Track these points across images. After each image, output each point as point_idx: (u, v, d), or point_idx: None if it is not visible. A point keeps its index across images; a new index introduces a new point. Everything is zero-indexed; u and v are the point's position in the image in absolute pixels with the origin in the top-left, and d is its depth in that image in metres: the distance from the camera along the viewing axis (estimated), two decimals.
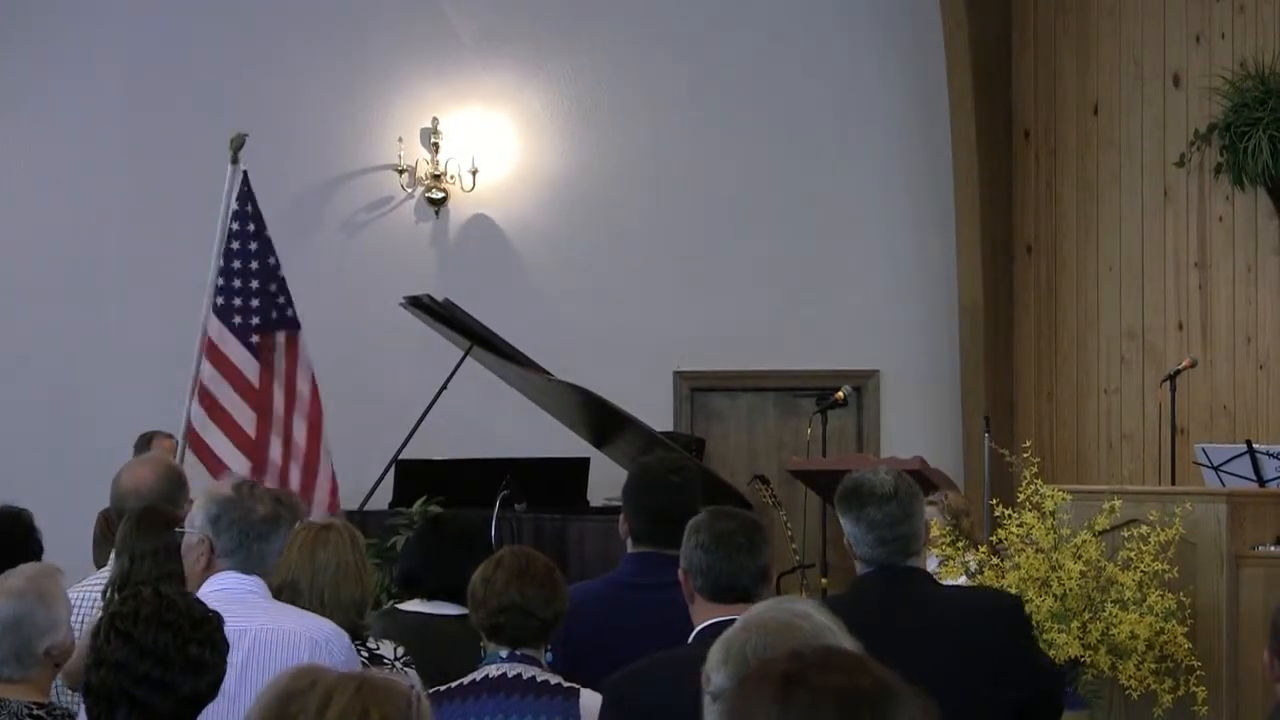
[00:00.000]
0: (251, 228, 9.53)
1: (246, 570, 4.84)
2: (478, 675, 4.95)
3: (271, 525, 4.89)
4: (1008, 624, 4.77)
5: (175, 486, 6.07)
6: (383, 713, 2.75)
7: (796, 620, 3.18)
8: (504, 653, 4.97)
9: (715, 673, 3.12)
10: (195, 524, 4.91)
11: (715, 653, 3.14)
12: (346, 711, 2.72)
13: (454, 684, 4.95)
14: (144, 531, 5.44)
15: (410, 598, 5.95)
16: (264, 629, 4.65)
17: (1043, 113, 12.33)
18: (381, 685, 2.82)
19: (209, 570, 4.87)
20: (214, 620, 4.02)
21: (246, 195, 9.59)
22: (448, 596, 5.80)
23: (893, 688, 2.47)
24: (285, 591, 5.10)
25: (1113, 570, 7.36)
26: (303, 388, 9.37)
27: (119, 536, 5.51)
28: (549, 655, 5.04)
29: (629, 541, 5.55)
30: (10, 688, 4.83)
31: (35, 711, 4.76)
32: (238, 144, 9.72)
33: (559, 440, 11.15)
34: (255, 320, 9.30)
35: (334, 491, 9.42)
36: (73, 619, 5.67)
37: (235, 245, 9.46)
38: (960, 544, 7.50)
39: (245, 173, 9.64)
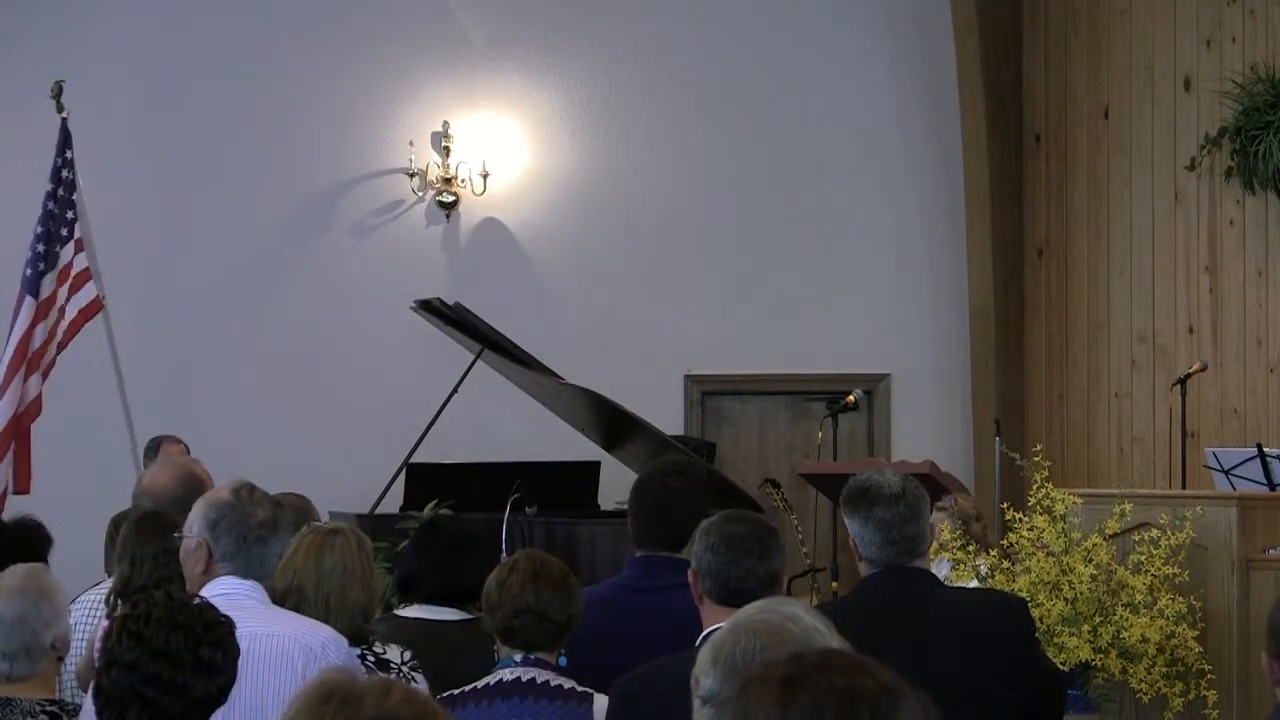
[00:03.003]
0: (63, 176, 9.56)
1: (245, 575, 4.81)
2: (491, 679, 4.96)
3: (270, 529, 4.86)
4: (1012, 625, 4.77)
5: (194, 491, 6.06)
6: (432, 708, 2.76)
7: (786, 623, 3.17)
8: (518, 657, 4.97)
9: (705, 676, 3.12)
10: (194, 529, 4.89)
11: (704, 655, 3.13)
12: (406, 701, 2.71)
13: (468, 688, 4.95)
14: (143, 536, 5.45)
15: (409, 602, 5.95)
16: (258, 635, 4.59)
17: (1053, 116, 12.33)
18: (407, 688, 2.83)
19: (207, 575, 4.85)
20: (226, 624, 4.03)
21: (63, 146, 9.62)
22: (446, 601, 5.80)
23: (893, 688, 2.47)
24: (291, 596, 5.09)
25: (1123, 574, 7.36)
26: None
27: (119, 541, 5.53)
28: (563, 659, 5.05)
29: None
30: (18, 686, 4.86)
31: (48, 708, 4.78)
32: (56, 91, 9.70)
33: (570, 444, 11.16)
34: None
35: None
36: (88, 621, 5.71)
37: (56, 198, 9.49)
38: (971, 548, 7.51)
39: (64, 120, 9.66)
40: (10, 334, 9.57)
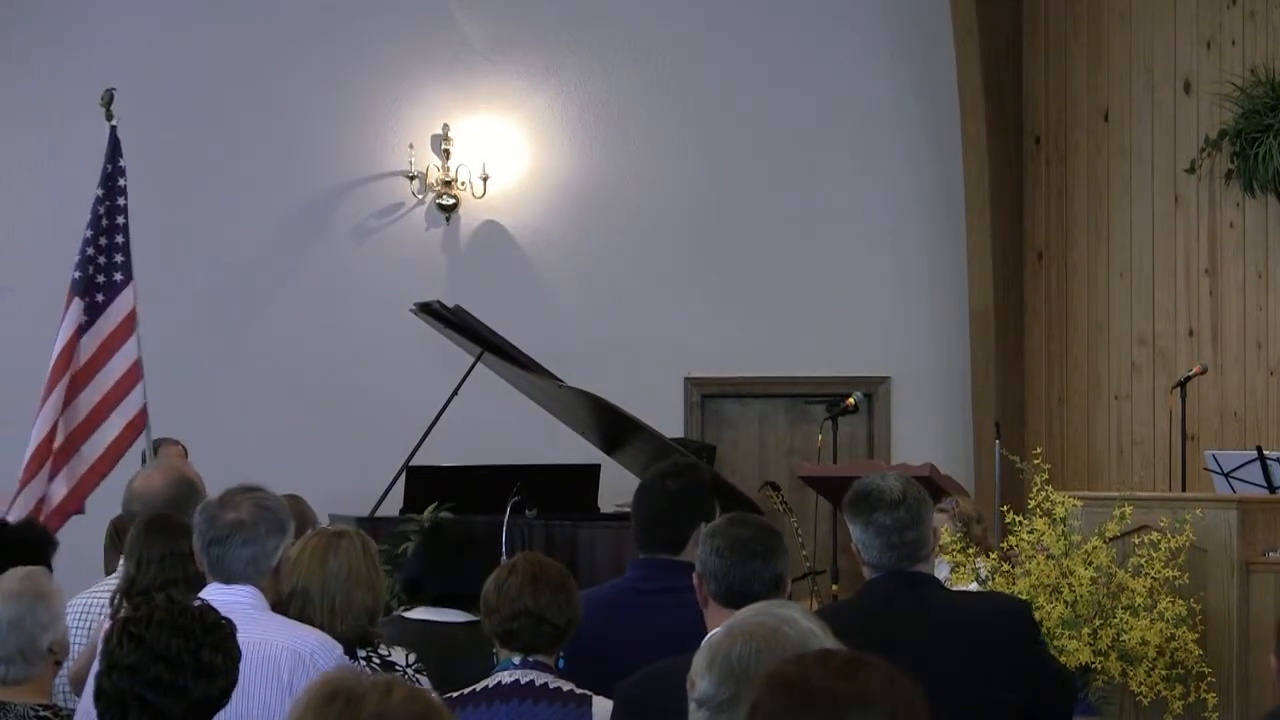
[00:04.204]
0: (121, 184, 9.55)
1: (225, 579, 4.80)
2: (490, 682, 4.95)
3: (234, 530, 4.80)
4: (1015, 628, 4.78)
5: (186, 494, 6.07)
6: (437, 707, 2.76)
7: (783, 626, 3.18)
8: (516, 659, 4.97)
9: (700, 678, 3.13)
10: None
11: (700, 658, 3.14)
12: (408, 699, 2.72)
13: (466, 690, 4.95)
14: (151, 537, 5.46)
15: (415, 605, 5.95)
16: (245, 642, 4.43)
17: (1053, 119, 12.33)
18: (409, 687, 2.83)
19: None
20: (226, 626, 4.03)
21: (114, 153, 9.60)
22: (453, 603, 5.81)
23: (862, 693, 2.46)
24: (296, 599, 5.09)
25: (1123, 577, 7.36)
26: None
27: (127, 542, 5.54)
28: (561, 662, 5.04)
29: None
30: (13, 690, 4.85)
31: (41, 713, 4.78)
32: (107, 100, 9.69)
33: (570, 446, 11.16)
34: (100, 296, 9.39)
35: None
36: (80, 625, 5.70)
37: (100, 210, 9.49)
38: (971, 550, 7.51)
39: (114, 128, 9.64)
40: (56, 337, 9.51)
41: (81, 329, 9.39)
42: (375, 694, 2.71)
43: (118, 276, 9.53)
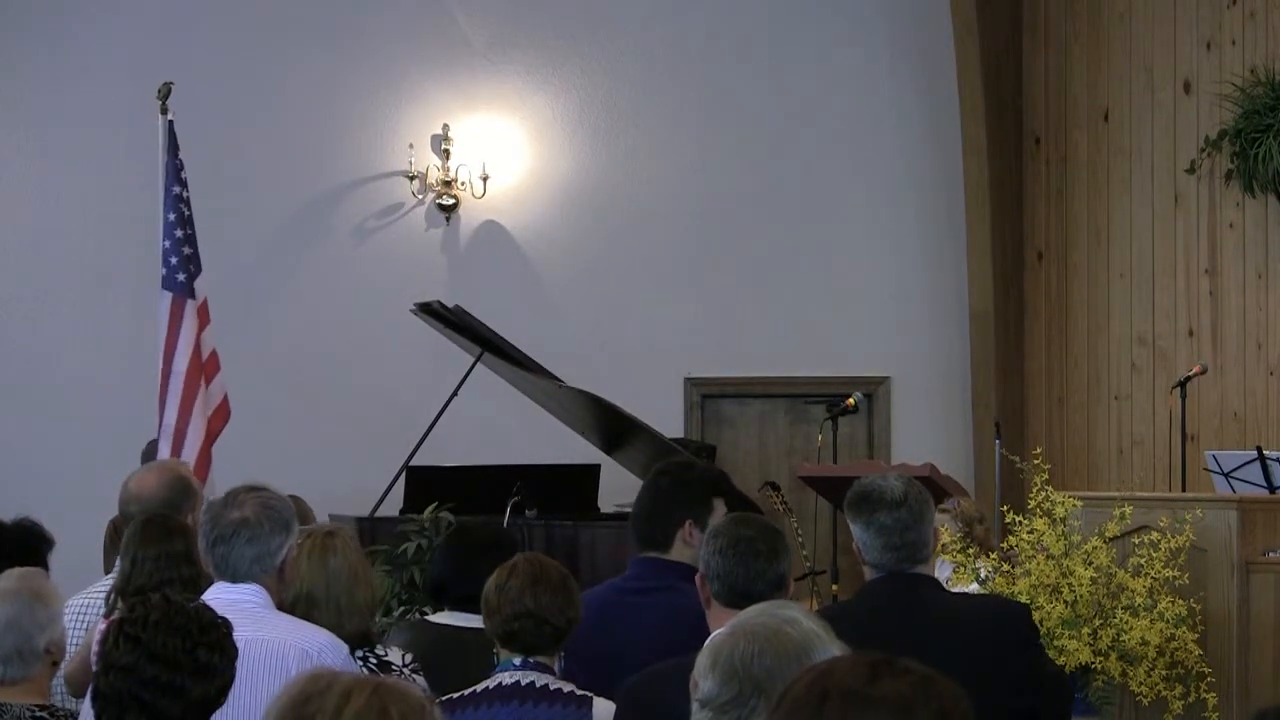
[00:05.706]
0: (183, 177, 9.58)
1: (230, 578, 4.80)
2: (490, 683, 4.95)
3: (239, 528, 4.81)
4: (1014, 631, 4.78)
5: (180, 494, 6.08)
6: (400, 711, 2.75)
7: (785, 627, 3.18)
8: (517, 660, 4.97)
9: (703, 679, 3.13)
10: None
11: (703, 659, 3.15)
12: (365, 710, 2.72)
13: (467, 691, 4.95)
14: (147, 537, 5.46)
15: (440, 609, 5.95)
16: (253, 640, 4.53)
17: (1053, 119, 12.33)
18: (398, 687, 2.83)
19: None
20: (223, 626, 4.03)
21: (173, 147, 9.62)
22: (477, 607, 5.81)
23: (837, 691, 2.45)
24: (300, 603, 5.08)
25: (1123, 577, 7.36)
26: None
27: (125, 540, 5.55)
28: (561, 663, 5.05)
29: None
30: (10, 690, 4.84)
31: (38, 714, 4.77)
32: (165, 93, 9.70)
33: (570, 446, 11.15)
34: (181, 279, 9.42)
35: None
36: (77, 625, 5.70)
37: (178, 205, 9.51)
38: (972, 551, 7.50)
39: (170, 123, 9.66)
40: (178, 339, 9.51)
41: (200, 329, 9.46)
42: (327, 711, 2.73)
43: (190, 268, 9.57)
